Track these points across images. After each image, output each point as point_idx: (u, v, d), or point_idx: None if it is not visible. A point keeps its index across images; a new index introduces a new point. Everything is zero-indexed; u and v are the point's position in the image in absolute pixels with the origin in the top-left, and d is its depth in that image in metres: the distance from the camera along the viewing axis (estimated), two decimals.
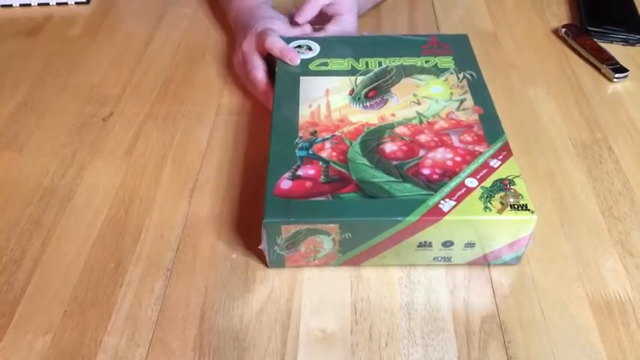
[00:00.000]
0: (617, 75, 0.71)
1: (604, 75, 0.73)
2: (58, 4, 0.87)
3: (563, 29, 0.79)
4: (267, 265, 0.51)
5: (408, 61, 0.64)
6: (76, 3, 0.87)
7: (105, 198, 0.58)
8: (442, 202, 0.48)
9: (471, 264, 0.51)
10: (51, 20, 0.84)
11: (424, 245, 0.49)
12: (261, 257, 0.52)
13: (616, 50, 0.75)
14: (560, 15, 0.84)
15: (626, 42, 0.78)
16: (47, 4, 0.87)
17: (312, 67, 0.63)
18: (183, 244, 0.53)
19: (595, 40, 0.77)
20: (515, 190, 0.49)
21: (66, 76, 0.74)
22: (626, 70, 0.72)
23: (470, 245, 0.49)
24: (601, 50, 0.75)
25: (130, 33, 0.82)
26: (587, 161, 0.61)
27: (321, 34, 0.70)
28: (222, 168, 0.61)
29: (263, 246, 0.49)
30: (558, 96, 0.70)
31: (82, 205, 0.57)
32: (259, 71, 0.66)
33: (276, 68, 0.63)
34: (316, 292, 0.50)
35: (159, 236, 0.54)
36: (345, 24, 0.72)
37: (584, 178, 0.59)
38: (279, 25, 0.69)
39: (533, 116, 0.67)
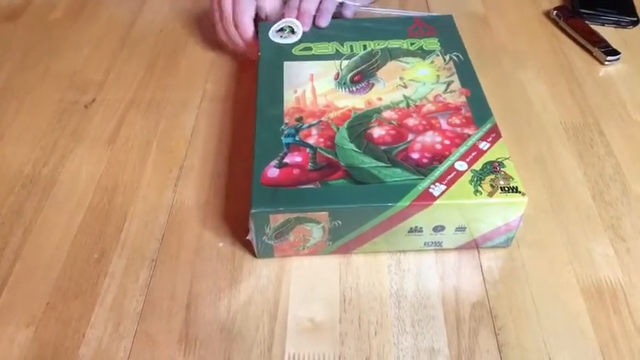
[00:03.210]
0: (608, 58, 0.70)
1: (596, 58, 0.72)
2: None
3: (555, 11, 0.78)
4: (255, 255, 0.50)
5: (393, 44, 0.63)
6: None
7: (88, 186, 0.56)
8: (432, 186, 0.47)
9: (462, 248, 0.51)
10: (32, 4, 0.82)
11: (415, 230, 0.48)
12: (248, 247, 0.51)
13: (608, 33, 0.74)
14: None
15: (618, 24, 0.77)
16: None
17: (295, 51, 0.62)
18: (168, 233, 0.52)
19: (587, 22, 0.76)
20: (505, 173, 0.48)
21: (47, 62, 0.72)
22: (617, 53, 0.71)
23: (461, 229, 0.49)
24: (593, 33, 0.74)
25: (113, 17, 0.80)
26: (579, 145, 0.61)
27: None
28: (208, 155, 0.59)
29: (251, 236, 0.48)
30: (549, 79, 0.69)
31: (64, 193, 0.56)
32: (246, 16, 0.65)
33: (260, 54, 0.62)
34: (304, 280, 0.49)
35: (143, 225, 0.53)
36: None
37: (575, 163, 0.59)
38: None
39: (525, 100, 0.66)
